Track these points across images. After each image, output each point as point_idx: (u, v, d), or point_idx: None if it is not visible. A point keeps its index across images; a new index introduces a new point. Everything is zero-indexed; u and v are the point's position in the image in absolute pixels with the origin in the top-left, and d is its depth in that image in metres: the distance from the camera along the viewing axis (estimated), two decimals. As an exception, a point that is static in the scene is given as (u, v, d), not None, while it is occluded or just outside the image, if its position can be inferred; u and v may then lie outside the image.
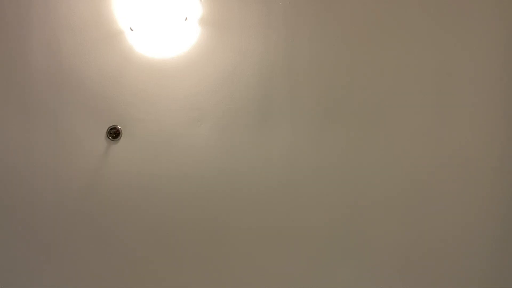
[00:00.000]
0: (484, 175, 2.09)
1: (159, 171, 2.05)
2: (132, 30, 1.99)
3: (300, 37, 2.06)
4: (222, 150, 2.06)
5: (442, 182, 2.10)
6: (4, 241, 2.02)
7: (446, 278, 2.12)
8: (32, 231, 2.02)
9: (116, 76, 2.02)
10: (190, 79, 2.04)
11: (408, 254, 2.12)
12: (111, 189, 2.04)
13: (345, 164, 2.09)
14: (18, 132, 1.99)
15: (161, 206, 2.06)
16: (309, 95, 2.07)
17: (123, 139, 2.03)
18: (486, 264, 2.12)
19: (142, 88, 2.03)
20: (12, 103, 1.99)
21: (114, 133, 2.02)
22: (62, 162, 2.02)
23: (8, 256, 2.02)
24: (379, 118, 2.08)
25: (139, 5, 1.95)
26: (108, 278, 2.06)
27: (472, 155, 2.09)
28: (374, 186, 2.10)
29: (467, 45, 2.07)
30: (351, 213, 2.10)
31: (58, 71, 2.00)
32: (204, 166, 2.06)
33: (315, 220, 2.10)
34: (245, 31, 2.05)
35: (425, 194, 2.10)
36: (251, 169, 2.07)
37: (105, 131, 2.02)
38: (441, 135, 2.08)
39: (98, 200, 2.04)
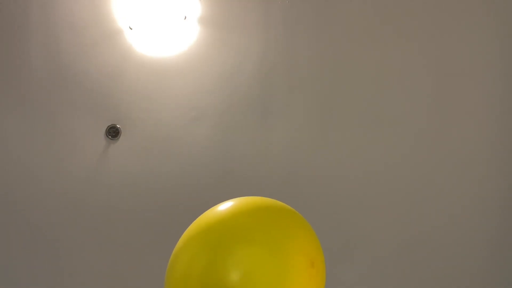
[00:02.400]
0: (484, 173, 2.10)
1: (158, 169, 2.05)
2: (131, 29, 1.99)
3: (299, 37, 2.06)
4: (221, 148, 2.07)
5: (441, 181, 2.10)
6: (5, 238, 2.02)
7: (445, 277, 2.13)
8: (32, 228, 2.02)
9: (115, 75, 2.02)
10: (189, 78, 2.05)
11: (407, 252, 2.12)
12: (110, 187, 2.04)
13: (344, 162, 2.10)
14: (17, 131, 1.99)
15: (161, 205, 2.06)
16: (308, 94, 2.08)
17: (122, 137, 2.04)
18: (485, 263, 2.13)
19: (141, 87, 2.03)
20: (11, 102, 1.99)
21: (113, 132, 2.03)
22: (61, 160, 2.02)
23: (8, 253, 2.02)
24: (378, 117, 2.09)
25: (138, 4, 1.95)
26: (107, 275, 2.07)
27: (472, 154, 2.10)
28: (373, 185, 2.10)
29: (467, 44, 2.08)
30: (350, 211, 2.11)
31: (57, 70, 2.00)
32: (203, 165, 2.07)
33: (315, 219, 2.10)
34: (244, 30, 2.05)
35: (425, 192, 2.11)
36: (250, 168, 2.08)
37: (104, 130, 2.03)
38: (440, 133, 2.09)
39: (97, 198, 2.04)
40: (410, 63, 2.08)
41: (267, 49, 2.06)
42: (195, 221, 0.96)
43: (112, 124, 2.03)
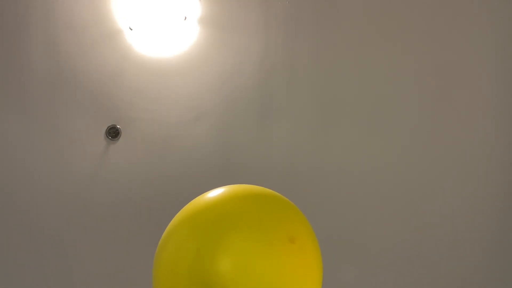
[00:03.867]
0: (483, 172, 2.10)
1: (158, 169, 2.05)
2: (131, 29, 1.99)
3: (299, 37, 2.06)
4: (221, 149, 2.07)
5: (440, 180, 2.10)
6: (5, 238, 2.01)
7: (444, 276, 2.13)
8: (32, 228, 2.02)
9: (115, 75, 2.02)
10: (189, 78, 2.05)
11: (407, 252, 2.12)
12: (110, 188, 2.04)
13: (344, 162, 2.10)
14: (17, 132, 1.99)
15: (161, 205, 2.06)
16: (308, 94, 2.08)
17: (122, 138, 2.03)
18: (484, 262, 2.13)
19: (141, 87, 2.03)
20: (11, 103, 1.99)
21: (113, 133, 2.02)
22: (61, 161, 2.02)
23: (7, 253, 2.02)
24: (378, 116, 2.09)
25: (139, 5, 1.95)
26: (108, 274, 2.06)
27: (471, 153, 2.10)
28: (373, 184, 2.10)
29: (466, 44, 2.08)
30: (350, 211, 2.11)
31: (57, 70, 1.99)
32: (203, 165, 2.06)
33: (314, 218, 2.10)
34: (244, 30, 2.05)
35: (424, 192, 2.11)
36: (251, 168, 2.08)
37: (104, 130, 2.02)
38: (439, 133, 2.09)
39: (97, 199, 2.04)
40: (411, 63, 2.08)
41: (267, 49, 2.06)
42: (182, 209, 0.97)
43: (112, 125, 2.03)
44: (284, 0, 2.05)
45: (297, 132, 2.08)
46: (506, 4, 2.06)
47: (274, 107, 2.07)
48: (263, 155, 2.08)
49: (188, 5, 2.00)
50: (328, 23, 2.07)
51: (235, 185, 0.96)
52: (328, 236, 2.11)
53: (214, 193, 0.93)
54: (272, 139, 2.08)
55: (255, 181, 2.08)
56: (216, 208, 0.86)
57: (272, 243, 0.81)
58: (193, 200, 0.98)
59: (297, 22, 2.06)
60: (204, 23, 2.03)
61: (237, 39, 2.05)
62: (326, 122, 2.09)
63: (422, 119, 2.09)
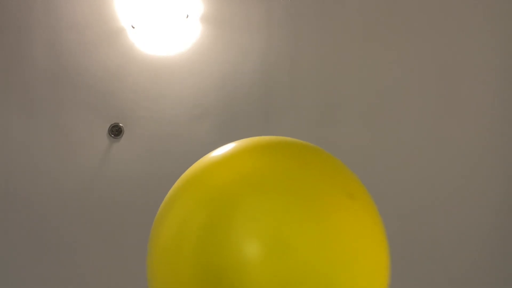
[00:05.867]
0: (486, 171, 2.09)
1: (160, 168, 2.06)
2: (133, 28, 2.00)
3: (301, 34, 2.06)
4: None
5: (443, 178, 2.10)
6: (7, 236, 2.03)
7: (446, 276, 2.12)
8: (35, 225, 2.04)
9: (117, 74, 2.02)
10: (192, 77, 2.05)
11: (409, 251, 2.12)
12: (112, 186, 2.05)
13: (346, 160, 2.09)
14: (20, 130, 2.00)
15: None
16: (311, 92, 2.07)
17: (125, 136, 2.04)
18: (486, 263, 2.12)
19: (143, 85, 2.04)
20: (14, 101, 2.00)
21: (116, 131, 2.03)
22: (64, 159, 2.03)
23: (10, 253, 2.03)
24: (381, 115, 2.08)
25: (141, 3, 1.95)
26: (110, 272, 2.07)
27: (473, 151, 2.09)
28: (375, 183, 2.10)
29: (468, 41, 2.07)
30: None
31: (60, 68, 2.00)
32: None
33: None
34: (246, 29, 2.05)
35: (426, 190, 2.10)
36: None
37: (107, 128, 2.03)
38: (442, 131, 2.08)
39: (100, 197, 2.05)
40: (414, 62, 2.07)
41: (269, 47, 2.05)
42: (186, 170, 0.67)
43: (115, 123, 2.03)
44: (286, -2, 2.04)
45: (299, 130, 2.08)
46: (511, 2, 2.04)
47: (277, 105, 2.07)
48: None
49: (190, 3, 2.00)
50: (330, 20, 2.06)
51: (253, 137, 0.67)
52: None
53: (228, 147, 0.64)
54: (274, 137, 2.08)
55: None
56: (232, 165, 0.58)
57: (330, 205, 0.55)
58: (201, 158, 0.67)
59: (299, 20, 2.05)
60: (206, 21, 2.03)
61: (239, 37, 2.05)
62: (329, 120, 2.08)
63: (425, 119, 2.08)
